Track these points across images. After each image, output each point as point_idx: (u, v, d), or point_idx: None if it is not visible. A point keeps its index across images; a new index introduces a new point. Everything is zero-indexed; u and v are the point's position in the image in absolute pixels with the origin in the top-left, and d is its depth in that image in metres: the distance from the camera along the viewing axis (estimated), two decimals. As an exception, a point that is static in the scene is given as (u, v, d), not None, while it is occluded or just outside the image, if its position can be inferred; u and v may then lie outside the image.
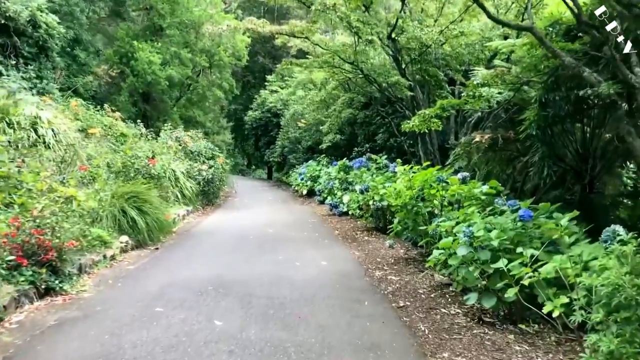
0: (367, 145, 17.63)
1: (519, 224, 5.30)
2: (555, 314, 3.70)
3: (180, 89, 22.83)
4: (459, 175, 7.87)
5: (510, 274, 4.23)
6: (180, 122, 22.29)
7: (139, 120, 17.96)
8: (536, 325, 4.74)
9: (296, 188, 20.50)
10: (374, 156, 11.29)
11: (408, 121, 8.55)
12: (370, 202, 9.93)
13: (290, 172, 24.44)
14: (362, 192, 10.16)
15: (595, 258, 4.33)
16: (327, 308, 5.25)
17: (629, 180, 11.78)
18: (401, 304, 5.46)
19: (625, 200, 11.26)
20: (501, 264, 4.30)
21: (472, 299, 4.79)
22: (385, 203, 9.04)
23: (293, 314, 5.01)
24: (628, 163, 11.59)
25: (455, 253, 5.17)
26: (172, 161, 14.25)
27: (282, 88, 29.97)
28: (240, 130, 38.85)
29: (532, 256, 4.70)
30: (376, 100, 17.11)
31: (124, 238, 8.16)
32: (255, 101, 33.18)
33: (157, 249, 8.49)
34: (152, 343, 4.09)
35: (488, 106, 9.76)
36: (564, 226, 4.00)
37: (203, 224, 12.05)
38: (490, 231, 5.11)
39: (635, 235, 3.10)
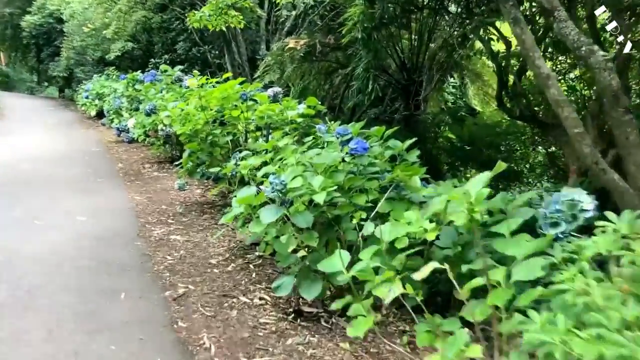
0: (166, 57, 14.87)
1: (348, 159, 3.63)
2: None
3: None
4: (270, 92, 5.99)
5: (353, 273, 2.46)
6: None
7: None
8: (379, 314, 3.18)
9: (83, 108, 17.07)
10: (163, 66, 8.87)
11: (195, 12, 6.28)
12: (159, 127, 7.66)
13: (78, 88, 20.55)
14: (148, 114, 7.80)
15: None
16: (49, 318, 3.10)
17: (449, 96, 11.07)
18: (180, 291, 3.53)
19: (446, 118, 10.53)
20: (339, 264, 2.49)
21: (284, 287, 3.02)
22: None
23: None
24: (450, 77, 10.78)
25: (261, 207, 3.34)
26: None
27: (65, -13, 24.89)
28: (19, 39, 32.40)
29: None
30: (174, 1, 14.26)
31: None
32: (35, 4, 27.46)
33: None
34: None
35: (303, 3, 7.89)
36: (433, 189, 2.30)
37: None
38: (307, 171, 3.34)
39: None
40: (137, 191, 6.66)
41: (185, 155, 5.60)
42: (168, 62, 14.19)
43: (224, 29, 6.76)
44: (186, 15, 13.90)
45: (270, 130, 5.17)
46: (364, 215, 3.18)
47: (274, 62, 7.80)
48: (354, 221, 3.09)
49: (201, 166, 5.81)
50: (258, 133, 5.84)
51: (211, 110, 5.68)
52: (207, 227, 5.01)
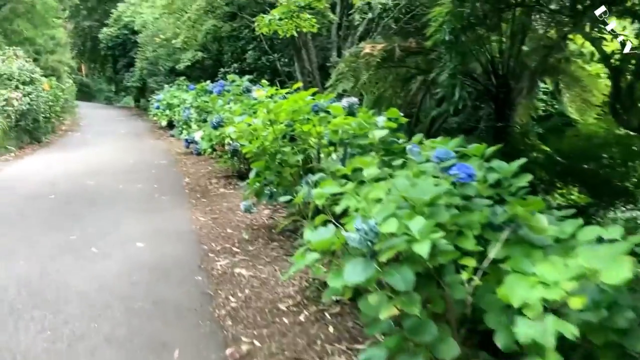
0: (236, 66, 14.62)
1: (444, 183, 2.89)
2: None
3: (-3, -5, 17.89)
4: (344, 102, 5.33)
5: None
6: (0, 39, 17.61)
7: None
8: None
9: (155, 118, 17.17)
10: (231, 76, 8.43)
11: (264, 16, 5.73)
12: (226, 141, 7.21)
13: (151, 98, 20.82)
14: (215, 127, 7.35)
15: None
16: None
17: (540, 103, 10.01)
18: (244, 349, 2.92)
19: (537, 128, 9.48)
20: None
21: (376, 365, 2.33)
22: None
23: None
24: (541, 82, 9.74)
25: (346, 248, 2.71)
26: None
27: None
28: (97, 51, 33.72)
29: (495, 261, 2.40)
30: (244, 9, 13.96)
31: None
32: (112, 16, 28.39)
33: None
34: None
35: (380, 4, 7.20)
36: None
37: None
38: (401, 208, 2.65)
39: None
40: (202, 211, 6.19)
41: (251, 175, 5.03)
42: (237, 71, 13.92)
43: (295, 33, 6.19)
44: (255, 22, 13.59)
45: (347, 150, 4.51)
46: (473, 263, 2.47)
47: (348, 69, 7.16)
48: (465, 275, 2.38)
49: (269, 186, 5.23)
50: (331, 148, 5.20)
51: (280, 124, 5.10)
52: (275, 258, 4.41)
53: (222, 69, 14.83)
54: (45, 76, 16.81)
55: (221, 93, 9.02)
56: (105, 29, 28.10)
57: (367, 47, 6.75)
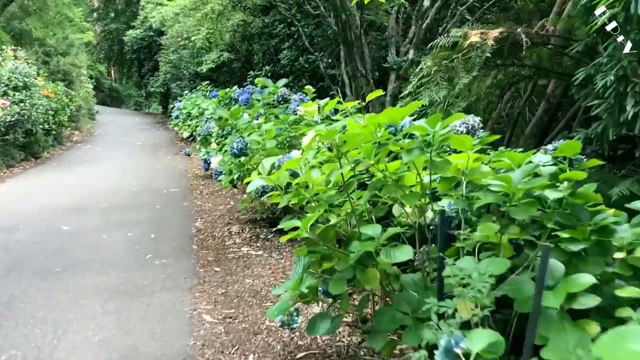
0: (267, 68, 12.27)
1: None
2: None
3: (4, -10, 15.97)
4: (459, 125, 2.87)
5: None
6: (7, 38, 15.68)
7: None
8: None
9: (175, 129, 15.02)
10: (260, 80, 6.04)
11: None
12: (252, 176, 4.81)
13: (173, 105, 18.70)
14: (236, 155, 4.97)
15: None
16: None
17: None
18: None
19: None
20: None
21: None
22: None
23: None
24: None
25: None
26: None
27: None
28: (123, 54, 32.08)
29: None
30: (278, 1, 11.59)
31: None
32: (138, 17, 26.53)
33: None
34: None
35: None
36: None
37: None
38: None
39: None
40: (211, 296, 3.81)
41: (293, 273, 2.59)
42: (270, 74, 11.59)
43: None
44: (293, 16, 11.19)
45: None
46: None
47: (437, 69, 4.69)
48: None
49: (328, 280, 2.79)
50: (424, 200, 2.72)
51: (349, 163, 2.67)
52: None
53: (251, 72, 12.48)
54: (54, 80, 14.87)
55: (248, 103, 6.66)
56: (130, 31, 26.29)
57: (472, 35, 4.28)
